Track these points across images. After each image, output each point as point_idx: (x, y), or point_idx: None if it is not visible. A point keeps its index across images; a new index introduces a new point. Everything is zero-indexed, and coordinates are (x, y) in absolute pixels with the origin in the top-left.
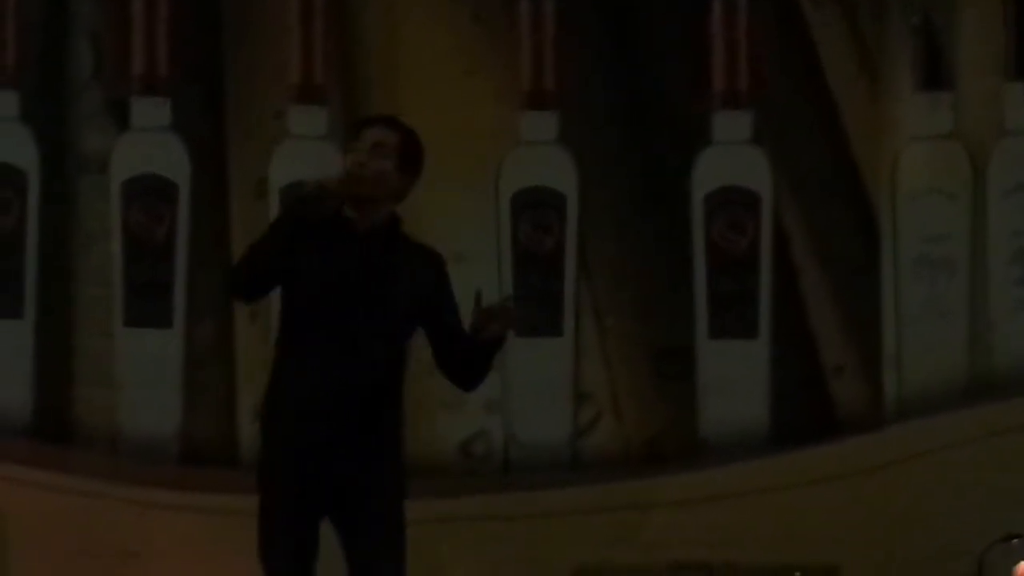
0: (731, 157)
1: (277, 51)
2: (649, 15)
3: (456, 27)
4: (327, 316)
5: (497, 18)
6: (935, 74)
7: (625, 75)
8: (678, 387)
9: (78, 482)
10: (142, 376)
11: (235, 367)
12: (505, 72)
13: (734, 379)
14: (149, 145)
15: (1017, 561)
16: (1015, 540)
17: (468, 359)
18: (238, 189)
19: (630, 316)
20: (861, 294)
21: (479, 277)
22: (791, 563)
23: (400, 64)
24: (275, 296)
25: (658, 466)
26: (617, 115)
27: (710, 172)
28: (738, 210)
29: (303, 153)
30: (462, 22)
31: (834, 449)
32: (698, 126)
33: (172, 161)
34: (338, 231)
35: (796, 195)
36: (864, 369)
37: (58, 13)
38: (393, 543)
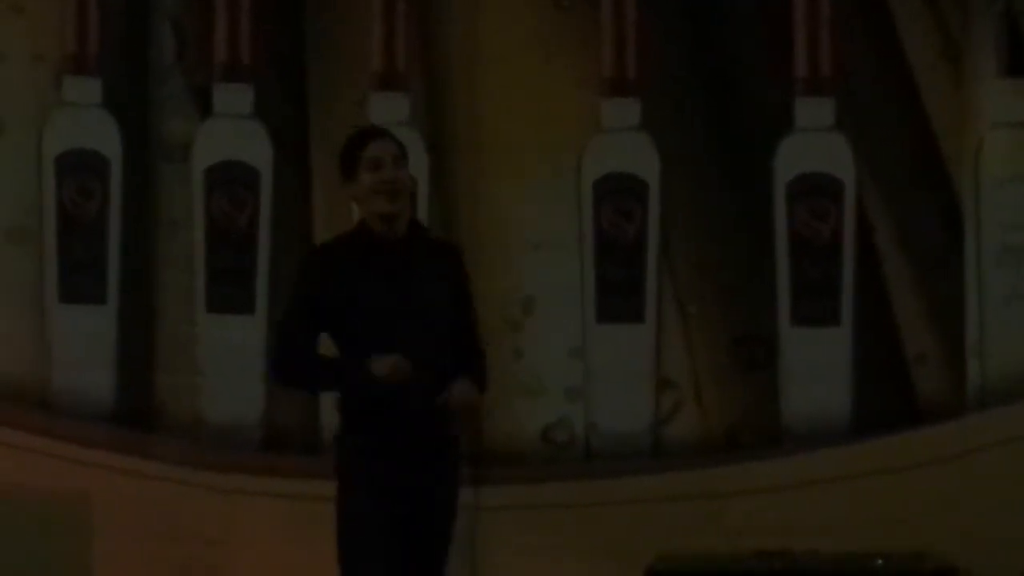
0: (813, 144)
1: (359, 38)
2: (731, 1)
3: (537, 13)
4: (384, 334)
5: (578, 4)
6: (1018, 60)
7: (707, 61)
8: (760, 375)
9: (161, 468)
10: (225, 363)
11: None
12: (586, 58)
13: (816, 367)
14: (231, 132)
15: None
16: None
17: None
18: (320, 175)
19: (712, 303)
20: (944, 282)
21: (561, 265)
22: (873, 551)
23: (481, 51)
24: None
25: (739, 454)
26: (699, 102)
27: (792, 159)
28: (820, 197)
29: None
30: (543, 8)
31: (916, 437)
32: (780, 113)
33: (254, 148)
34: (372, 250)
35: (878, 182)
36: (947, 357)
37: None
38: (445, 550)
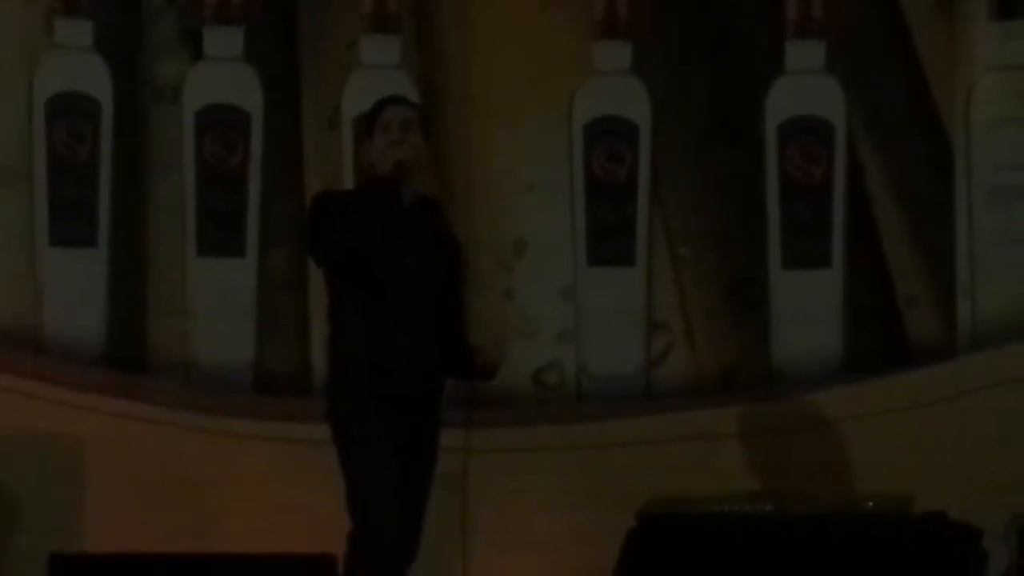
0: (804, 86)
1: None
2: None
3: None
4: (393, 283)
5: None
6: (1009, 3)
7: (698, 4)
8: (751, 317)
9: (152, 411)
10: (215, 305)
11: (308, 296)
12: (578, 2)
13: (807, 309)
14: (222, 74)
15: None
16: None
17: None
18: (311, 118)
19: (703, 246)
20: (935, 224)
21: (552, 208)
22: (864, 493)
23: None
24: None
25: (731, 396)
26: (690, 44)
27: (783, 102)
28: (812, 140)
29: (376, 82)
30: None
31: (907, 379)
32: (771, 55)
33: (245, 90)
34: (387, 205)
35: (870, 125)
36: (938, 299)
37: None
38: (426, 498)
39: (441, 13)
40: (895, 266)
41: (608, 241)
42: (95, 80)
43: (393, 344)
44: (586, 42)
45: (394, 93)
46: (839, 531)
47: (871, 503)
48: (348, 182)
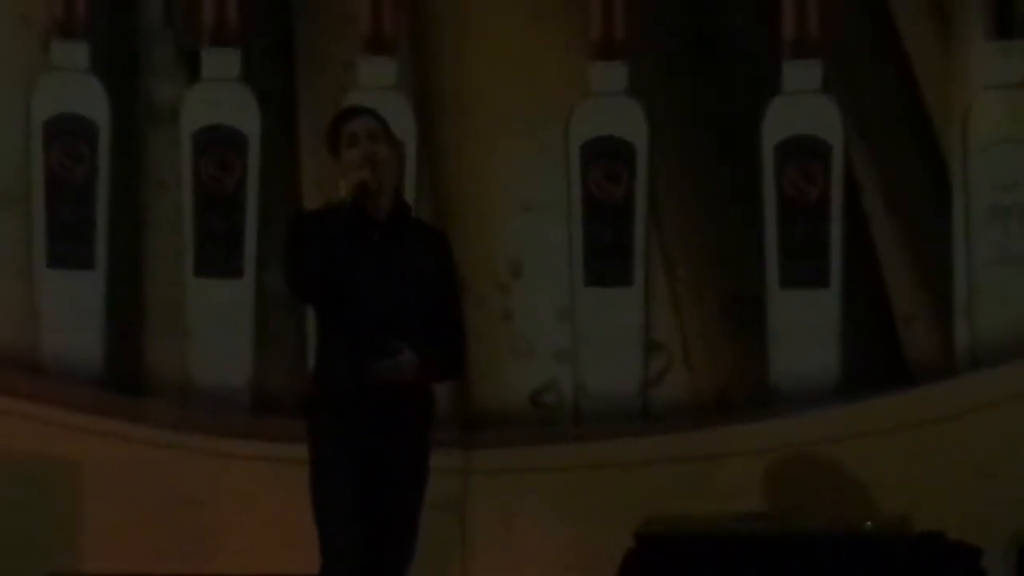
0: (802, 106)
1: (347, 1)
2: None
3: None
4: (365, 300)
5: None
6: (1006, 22)
7: (695, 23)
8: (749, 337)
9: (149, 432)
10: (213, 326)
11: (306, 316)
12: (574, 20)
13: (805, 328)
14: (219, 95)
15: None
16: None
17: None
18: (308, 139)
19: (700, 266)
20: (932, 243)
21: (548, 227)
22: (862, 513)
23: (469, 14)
24: None
25: (728, 416)
26: (687, 64)
27: (780, 121)
28: (809, 159)
29: (373, 103)
30: None
31: (905, 398)
32: (769, 75)
33: (242, 111)
34: (358, 224)
35: (867, 144)
36: (935, 318)
37: None
38: (412, 522)
39: (437, 34)
40: (892, 285)
41: (605, 261)
42: (92, 102)
43: (358, 364)
44: (582, 61)
45: (353, 104)
46: (837, 551)
47: (869, 523)
48: None
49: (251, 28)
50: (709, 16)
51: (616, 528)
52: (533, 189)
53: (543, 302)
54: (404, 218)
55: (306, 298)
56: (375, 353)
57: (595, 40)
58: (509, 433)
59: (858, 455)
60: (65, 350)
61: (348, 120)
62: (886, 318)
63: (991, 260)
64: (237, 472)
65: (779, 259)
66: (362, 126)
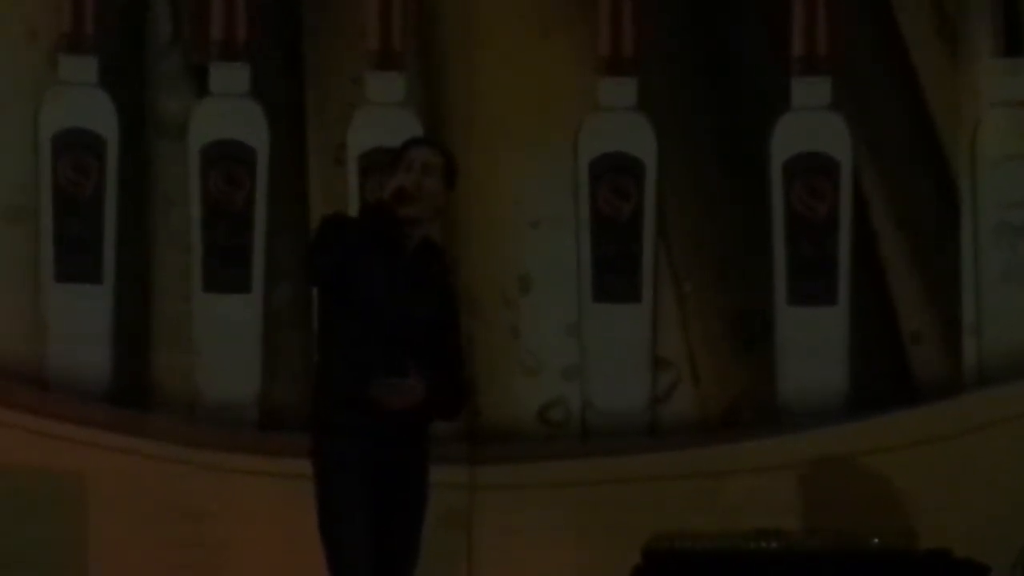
0: (810, 123)
1: (355, 16)
2: None
3: None
4: (376, 313)
5: None
6: (1014, 40)
7: (704, 40)
8: (756, 353)
9: (157, 447)
10: (221, 341)
11: (313, 331)
12: (583, 36)
13: (813, 345)
14: (228, 110)
15: None
16: None
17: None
18: (316, 154)
19: (708, 282)
20: (940, 260)
21: (557, 244)
22: (869, 529)
23: (478, 29)
24: None
25: (736, 432)
26: (696, 81)
27: (789, 138)
28: (817, 176)
29: (381, 119)
30: None
31: (912, 415)
32: (777, 92)
33: (251, 126)
34: (393, 246)
35: (875, 161)
36: (943, 336)
37: None
38: (414, 536)
39: (445, 50)
40: (900, 302)
41: (613, 277)
42: (100, 116)
43: (370, 375)
44: (590, 76)
45: (425, 135)
46: (844, 568)
47: (876, 540)
48: None
49: (260, 43)
50: (718, 32)
51: (623, 544)
52: (541, 205)
53: (551, 318)
54: (430, 249)
55: (320, 283)
56: (385, 367)
57: (604, 56)
58: (516, 449)
59: (865, 472)
60: (72, 364)
61: (415, 147)
62: (894, 335)
63: (999, 277)
64: (244, 487)
65: (787, 276)
66: (421, 155)
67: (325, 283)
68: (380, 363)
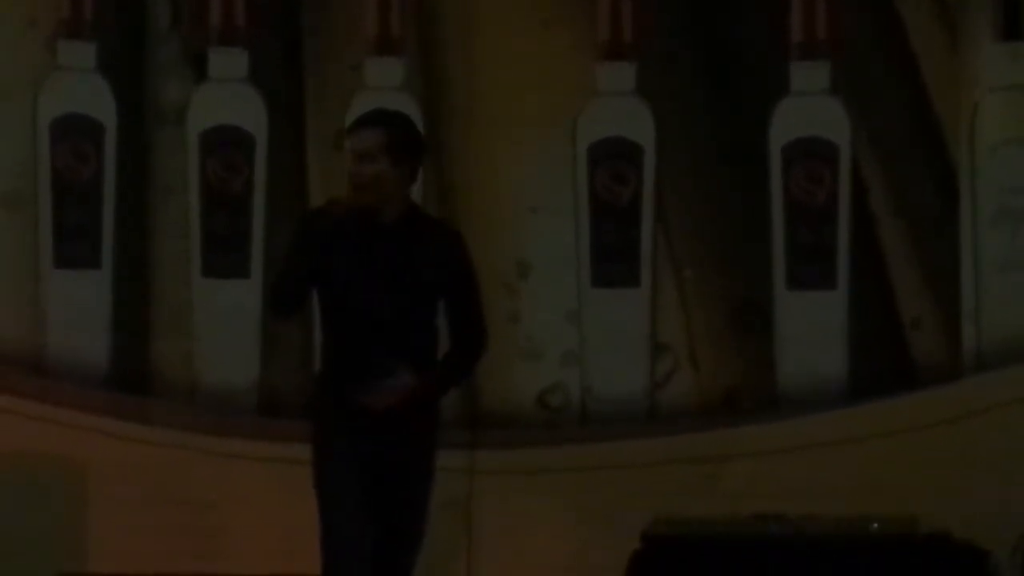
0: (809, 108)
1: (354, 2)
2: None
3: None
4: (362, 308)
5: None
6: (1013, 24)
7: (702, 25)
8: (756, 339)
9: (156, 433)
10: (220, 327)
11: (312, 317)
12: (582, 22)
13: (812, 331)
14: (226, 96)
15: None
16: None
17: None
18: (315, 140)
19: (707, 267)
20: (940, 246)
21: (556, 229)
22: (868, 514)
23: (476, 14)
24: None
25: (735, 418)
26: (695, 66)
27: (788, 123)
28: (816, 161)
29: (380, 104)
30: None
31: (912, 401)
32: (776, 76)
33: (249, 112)
34: (366, 227)
35: (874, 146)
36: (942, 321)
37: None
38: (418, 521)
39: (444, 35)
40: (899, 288)
41: (612, 263)
42: (99, 102)
43: (358, 364)
44: (589, 62)
45: (365, 112)
46: (844, 553)
47: (876, 525)
48: None
49: (258, 29)
50: (717, 17)
51: (623, 529)
52: (540, 190)
53: (550, 304)
54: (413, 224)
55: (275, 313)
56: (370, 371)
57: (603, 41)
58: (516, 434)
59: (864, 457)
60: (71, 351)
61: (350, 135)
62: (893, 320)
63: (998, 262)
64: (243, 473)
65: (786, 261)
66: (358, 144)
67: (276, 312)
68: (366, 365)
